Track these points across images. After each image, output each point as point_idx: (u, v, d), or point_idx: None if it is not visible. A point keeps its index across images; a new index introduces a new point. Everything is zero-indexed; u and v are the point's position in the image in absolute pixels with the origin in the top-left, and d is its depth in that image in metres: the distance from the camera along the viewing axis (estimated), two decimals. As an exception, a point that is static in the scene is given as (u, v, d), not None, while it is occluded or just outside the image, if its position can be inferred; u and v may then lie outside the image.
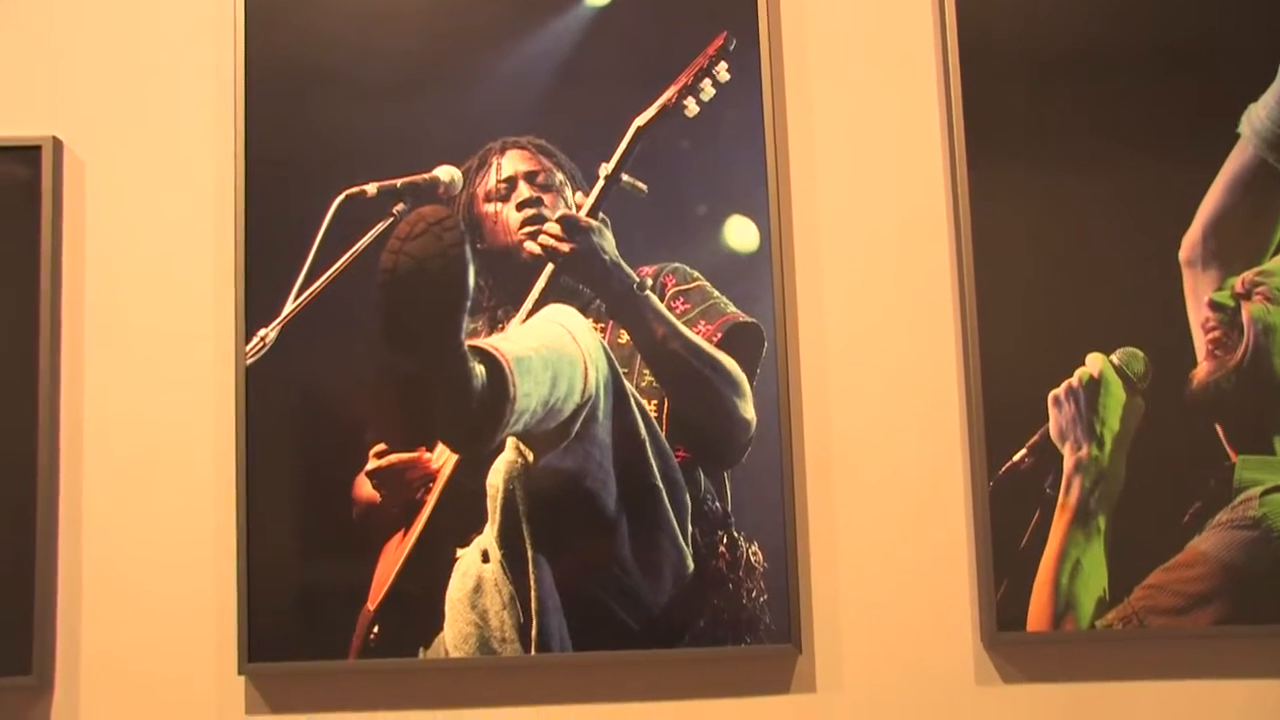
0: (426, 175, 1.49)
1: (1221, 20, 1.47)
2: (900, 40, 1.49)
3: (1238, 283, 1.45)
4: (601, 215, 1.46)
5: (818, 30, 1.49)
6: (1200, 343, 1.45)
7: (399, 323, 1.36)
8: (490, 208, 1.46)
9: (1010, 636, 1.43)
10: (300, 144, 1.45)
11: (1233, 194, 1.45)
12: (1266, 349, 1.44)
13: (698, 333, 1.44)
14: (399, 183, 1.49)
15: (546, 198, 1.46)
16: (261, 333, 1.43)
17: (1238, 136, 1.47)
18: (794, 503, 1.44)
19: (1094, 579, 1.42)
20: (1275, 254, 1.45)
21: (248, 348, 1.42)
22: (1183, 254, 1.46)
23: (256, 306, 1.44)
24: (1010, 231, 1.46)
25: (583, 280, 1.45)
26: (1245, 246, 1.46)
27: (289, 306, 1.42)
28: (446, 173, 1.47)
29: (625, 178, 1.46)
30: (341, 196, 1.47)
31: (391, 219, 1.46)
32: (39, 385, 1.39)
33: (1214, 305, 1.45)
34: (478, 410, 1.35)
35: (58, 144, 1.44)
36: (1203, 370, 1.44)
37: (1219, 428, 1.44)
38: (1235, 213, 1.46)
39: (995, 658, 1.45)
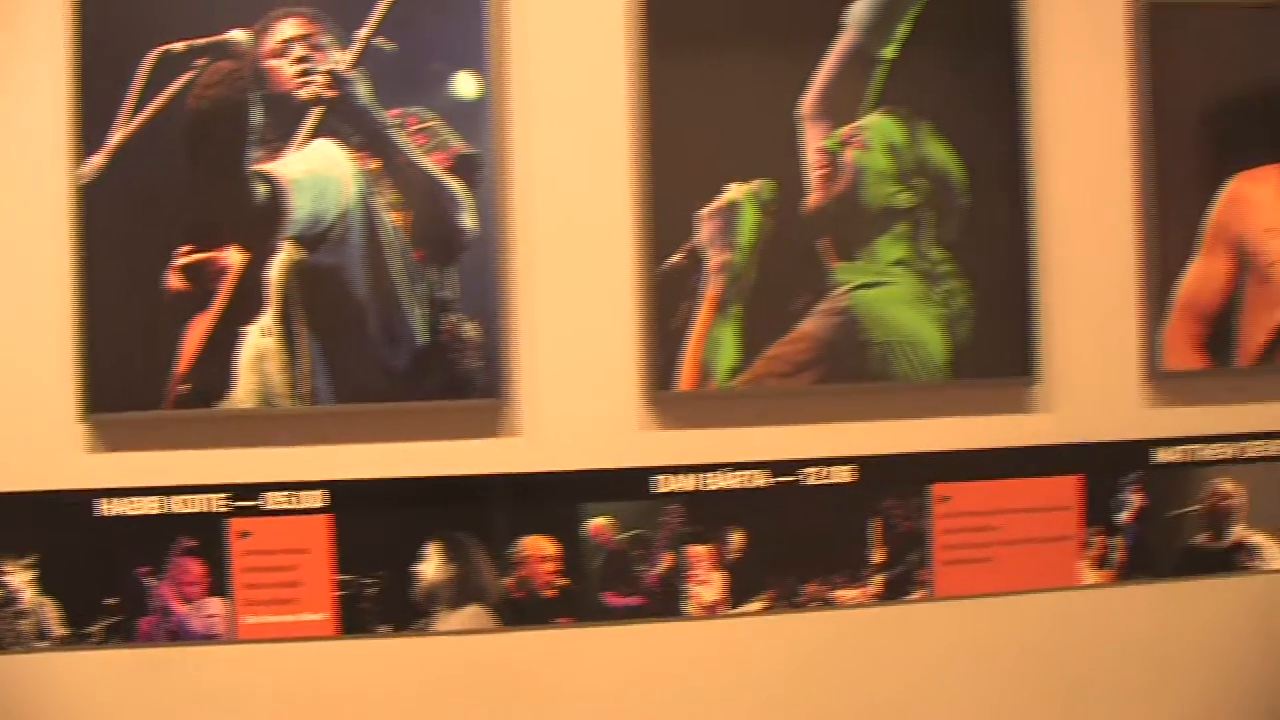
0: (223, 36, 2.03)
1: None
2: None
3: (841, 134, 2.16)
4: (360, 68, 2.07)
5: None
6: (814, 178, 2.14)
7: (200, 152, 1.97)
8: (272, 63, 2.08)
9: (665, 394, 2.11)
10: (123, 7, 2.00)
11: (839, 68, 2.17)
12: (860, 183, 2.16)
13: (433, 161, 2.08)
14: (201, 42, 2.02)
15: (317, 55, 2.07)
16: (94, 159, 1.98)
17: (844, 25, 2.18)
18: (504, 291, 2.07)
19: (728, 351, 2.11)
20: (867, 113, 2.17)
21: (83, 170, 1.97)
22: (803, 111, 2.16)
23: (91, 138, 1.98)
24: (680, 87, 2.10)
25: (344, 120, 2.05)
26: (846, 107, 2.16)
27: (115, 138, 1.98)
28: (239, 34, 2.05)
29: (378, 40, 2.08)
30: (157, 52, 2.00)
31: (195, 70, 2.03)
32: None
33: (824, 150, 2.15)
34: (261, 219, 1.98)
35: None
36: (814, 198, 2.15)
37: (824, 241, 2.16)
38: (840, 82, 2.16)
39: (653, 409, 2.13)
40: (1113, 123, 2.22)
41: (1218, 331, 2.20)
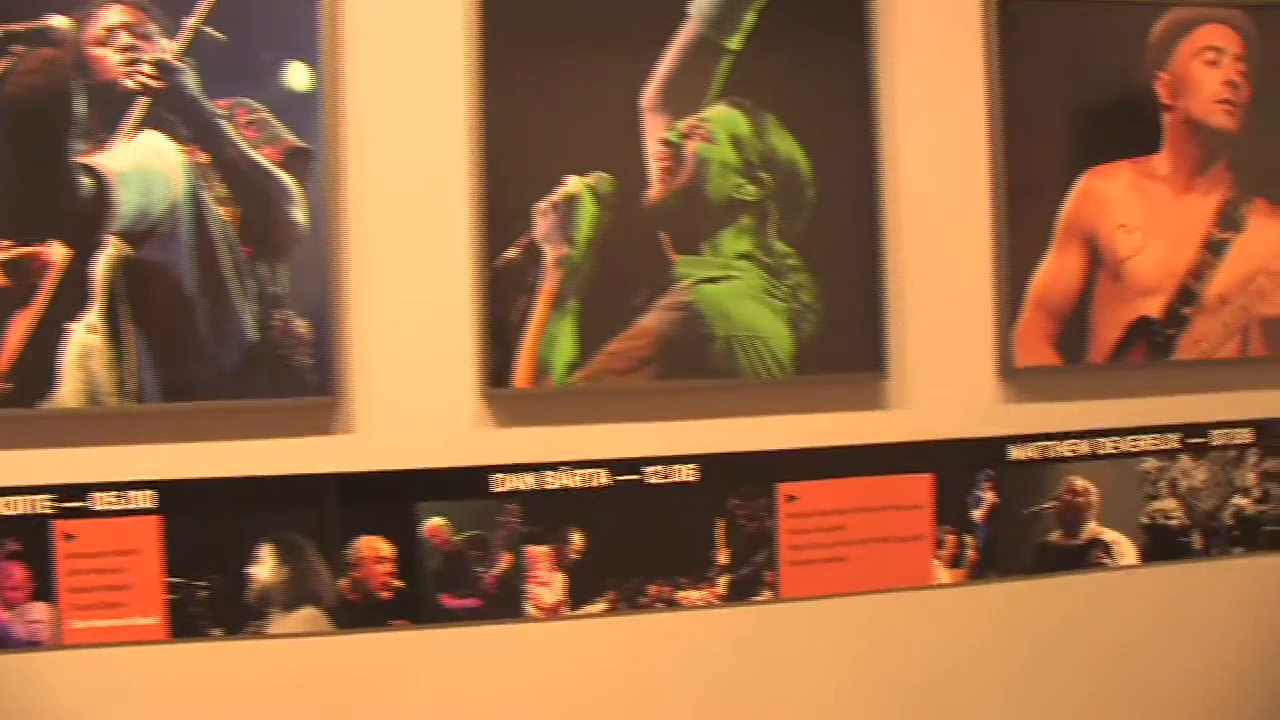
0: (42, 22, 1.98)
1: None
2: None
3: (683, 125, 2.15)
4: (188, 58, 2.04)
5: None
6: (654, 170, 2.13)
7: (20, 143, 1.93)
8: (96, 51, 2.04)
9: (500, 391, 2.10)
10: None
11: (682, 58, 2.15)
12: (702, 176, 2.14)
13: (263, 155, 2.06)
14: (18, 27, 1.97)
15: (143, 44, 2.03)
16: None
17: (687, 15, 2.16)
18: (337, 287, 2.05)
19: (566, 347, 2.10)
20: (710, 105, 2.16)
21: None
22: (644, 102, 2.15)
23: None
24: (517, 77, 2.08)
25: (171, 111, 2.02)
26: (690, 98, 2.15)
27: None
28: (59, 20, 2.00)
29: (207, 29, 2.05)
30: (-27, 38, 1.87)
31: (12, 58, 1.97)
32: None
33: (666, 142, 2.14)
34: (85, 214, 1.94)
35: None
36: (654, 191, 2.13)
37: (665, 235, 2.14)
38: (683, 72, 2.14)
39: (490, 407, 2.11)
40: (965, 116, 2.22)
41: (1071, 328, 2.21)
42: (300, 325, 2.04)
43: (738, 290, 2.08)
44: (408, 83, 2.09)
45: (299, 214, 2.04)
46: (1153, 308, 2.26)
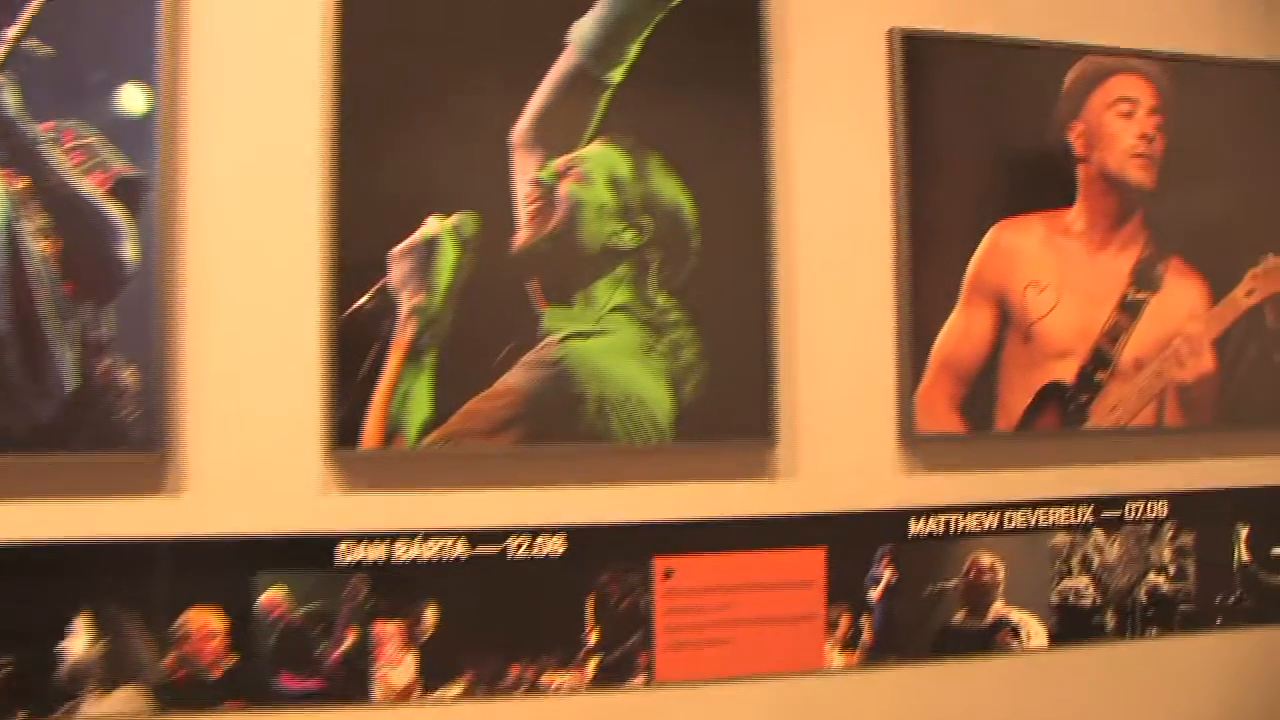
0: None
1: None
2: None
3: (557, 164, 1.98)
4: (7, 73, 1.86)
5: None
6: (523, 212, 1.96)
7: None
8: (-95, 65, 1.85)
9: (345, 453, 1.91)
10: None
11: (558, 91, 1.98)
12: (576, 220, 1.97)
13: (91, 183, 1.87)
14: None
15: (-42, 59, 1.85)
16: None
17: (565, 44, 2.00)
18: (169, 332, 1.87)
19: (421, 405, 1.92)
20: (588, 143, 1.99)
21: None
22: (515, 138, 1.97)
23: None
24: (376, 106, 1.94)
25: (-14, 133, 1.83)
26: (565, 135, 1.98)
27: None
28: None
29: (31, 42, 1.86)
30: None
31: None
32: None
33: (536, 182, 1.97)
34: None
35: None
36: (523, 235, 1.96)
37: (533, 283, 1.96)
38: (559, 107, 1.98)
39: (336, 469, 1.93)
40: (867, 161, 2.10)
41: (977, 392, 2.07)
42: (127, 373, 1.87)
43: (613, 346, 1.92)
44: (256, 110, 1.93)
45: (128, 249, 1.87)
46: (1065, 372, 2.12)
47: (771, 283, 2.03)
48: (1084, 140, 2.16)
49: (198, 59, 1.92)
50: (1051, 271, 2.13)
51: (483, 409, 1.90)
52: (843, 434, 2.11)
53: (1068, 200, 2.22)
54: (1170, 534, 2.25)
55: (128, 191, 1.87)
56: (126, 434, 1.85)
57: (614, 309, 1.93)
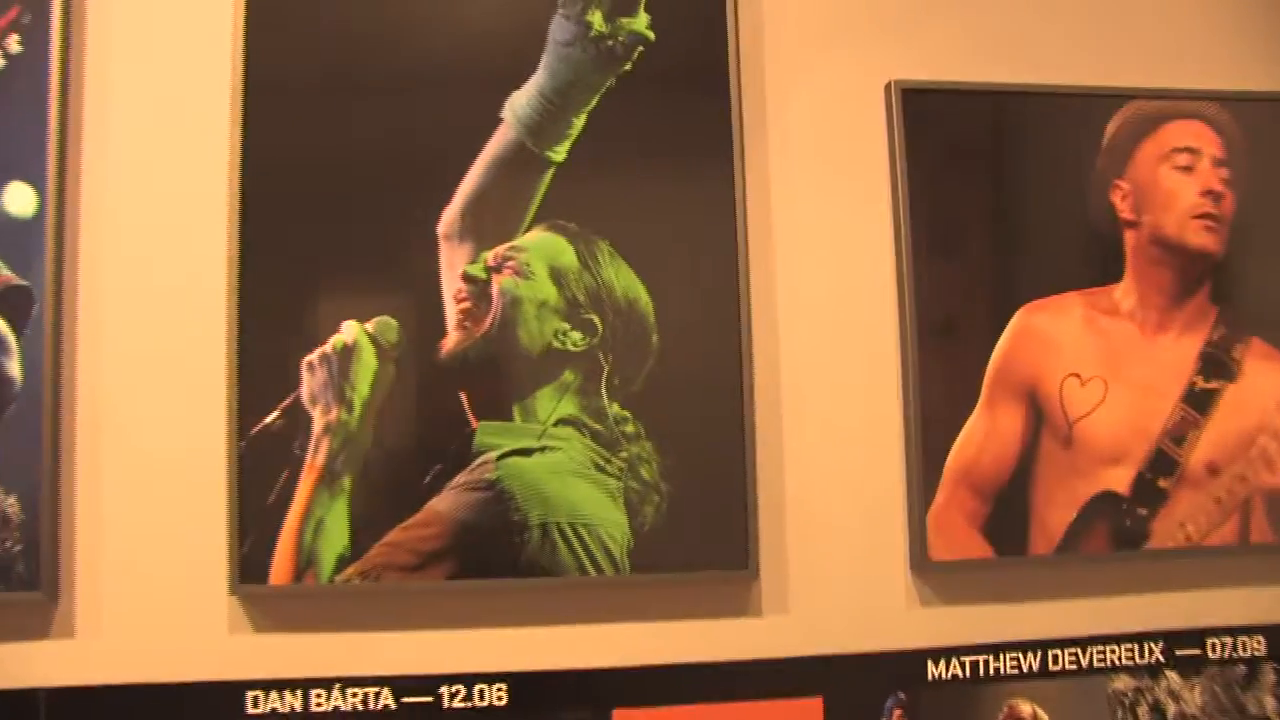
0: None
1: (484, 16, 1.79)
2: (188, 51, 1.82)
3: (490, 256, 1.73)
4: (-112, 179, 1.70)
5: (120, 16, 1.80)
6: (452, 313, 1.72)
7: None
8: None
9: (252, 589, 1.69)
10: None
11: (492, 173, 1.74)
12: (513, 319, 1.73)
13: (-26, 294, 1.69)
14: None
15: None
16: None
17: (500, 120, 1.75)
18: (56, 458, 1.68)
19: (336, 536, 1.70)
20: (527, 230, 1.73)
21: None
22: (441, 229, 1.73)
23: None
24: (284, 203, 1.77)
25: None
26: (500, 223, 1.74)
27: None
28: None
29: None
30: None
31: None
32: None
33: (467, 277, 1.73)
34: None
35: None
36: (452, 339, 1.72)
37: (464, 395, 1.72)
38: (494, 190, 1.74)
39: (244, 608, 1.72)
40: (863, 237, 1.84)
41: (1004, 509, 1.72)
42: (9, 503, 1.72)
43: (558, 464, 1.69)
44: (154, 209, 1.79)
45: (12, 366, 1.73)
46: (1117, 481, 1.76)
47: (746, 385, 1.74)
48: (1131, 201, 1.80)
49: (91, 155, 1.79)
50: (1095, 360, 1.78)
51: (407, 539, 1.67)
52: (841, 562, 1.85)
53: (1113, 274, 1.91)
54: (1273, 678, 1.79)
55: (12, 302, 1.73)
56: (8, 571, 1.70)
57: (559, 421, 1.67)
